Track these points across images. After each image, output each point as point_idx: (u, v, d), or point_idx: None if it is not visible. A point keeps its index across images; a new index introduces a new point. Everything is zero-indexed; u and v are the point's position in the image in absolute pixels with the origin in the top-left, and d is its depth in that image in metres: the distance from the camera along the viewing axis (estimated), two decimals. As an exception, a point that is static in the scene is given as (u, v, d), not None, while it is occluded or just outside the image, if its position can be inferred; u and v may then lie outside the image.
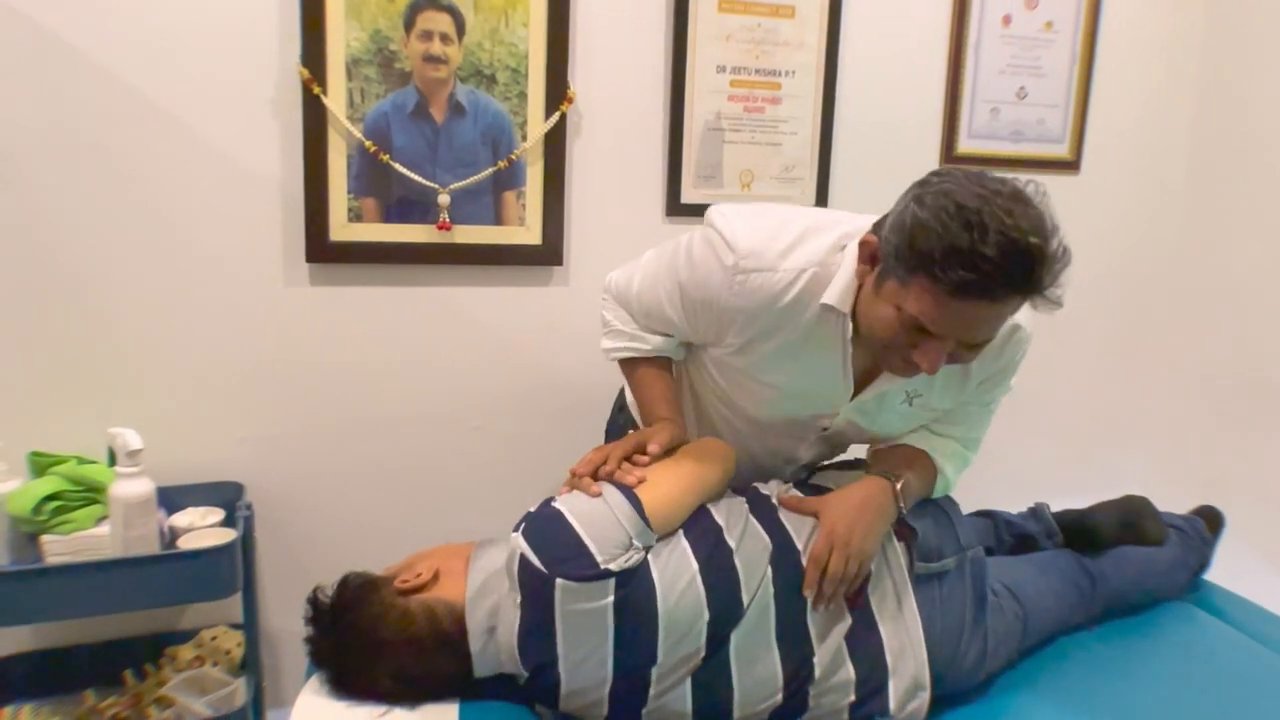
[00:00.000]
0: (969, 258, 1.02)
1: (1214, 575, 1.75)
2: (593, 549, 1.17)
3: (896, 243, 1.09)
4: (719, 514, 1.31)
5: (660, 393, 1.47)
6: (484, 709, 1.24)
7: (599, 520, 1.21)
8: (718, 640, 1.23)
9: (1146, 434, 2.54)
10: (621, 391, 1.71)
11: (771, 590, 1.27)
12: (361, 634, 1.22)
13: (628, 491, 1.24)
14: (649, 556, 1.22)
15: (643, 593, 1.19)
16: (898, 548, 1.35)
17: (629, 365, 1.52)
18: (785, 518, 1.35)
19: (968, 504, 1.50)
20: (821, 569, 1.26)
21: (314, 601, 1.26)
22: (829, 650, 1.28)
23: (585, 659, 1.19)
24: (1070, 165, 2.32)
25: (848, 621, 1.30)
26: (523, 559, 1.18)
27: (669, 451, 1.36)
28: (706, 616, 1.21)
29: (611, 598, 1.17)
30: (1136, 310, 2.47)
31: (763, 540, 1.30)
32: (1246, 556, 1.80)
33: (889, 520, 1.33)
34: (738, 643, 1.24)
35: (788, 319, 1.27)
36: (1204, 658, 1.54)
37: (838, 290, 1.22)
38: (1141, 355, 2.50)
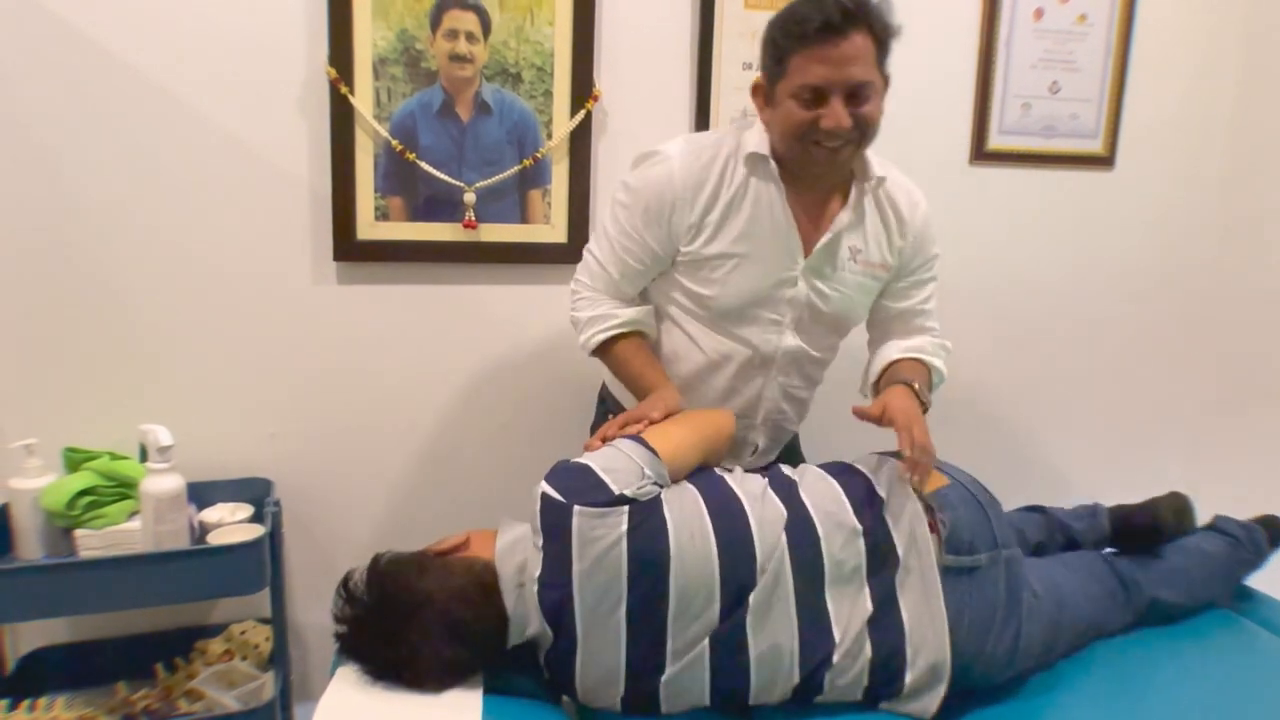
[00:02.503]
0: (808, 14, 1.33)
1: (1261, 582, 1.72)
2: (607, 479, 1.27)
3: (766, 56, 1.41)
4: (733, 480, 1.39)
5: (645, 360, 1.57)
6: (508, 703, 1.25)
7: (613, 457, 1.32)
8: (732, 600, 1.27)
9: (1185, 432, 2.50)
10: (601, 389, 1.78)
11: (789, 563, 1.30)
12: (405, 589, 1.25)
13: (637, 437, 1.36)
14: (662, 498, 1.29)
15: (655, 526, 1.26)
16: (929, 538, 1.34)
17: (608, 350, 1.58)
18: (805, 495, 1.37)
19: (1004, 498, 1.48)
20: (909, 443, 1.34)
21: (346, 582, 1.28)
22: (850, 636, 1.31)
23: (600, 601, 1.23)
24: (1104, 161, 2.28)
25: (869, 609, 1.32)
26: (544, 496, 1.26)
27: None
28: (717, 563, 1.26)
29: (625, 526, 1.23)
30: (1174, 307, 2.42)
31: (778, 508, 1.34)
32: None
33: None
34: (754, 615, 1.28)
35: (724, 180, 1.47)
36: (1240, 663, 1.52)
37: (754, 139, 1.46)
38: (1179, 353, 2.46)
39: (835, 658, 1.30)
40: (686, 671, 1.28)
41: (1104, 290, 2.37)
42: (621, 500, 1.25)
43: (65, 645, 1.81)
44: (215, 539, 1.66)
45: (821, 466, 1.48)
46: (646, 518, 1.26)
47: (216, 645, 1.82)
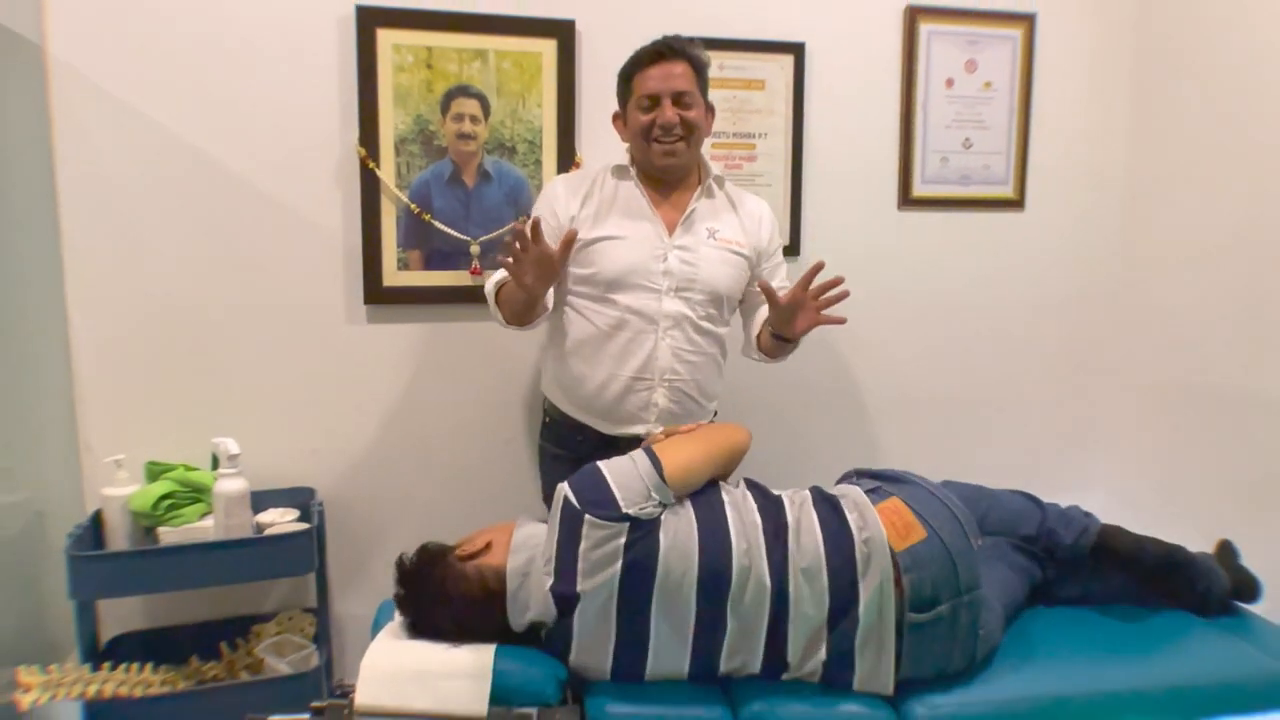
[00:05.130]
0: (645, 49, 1.87)
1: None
2: (619, 496, 1.52)
3: (619, 87, 1.92)
4: (731, 513, 1.61)
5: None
6: (516, 650, 1.57)
7: (626, 475, 1.56)
8: (710, 599, 1.52)
9: (1103, 439, 2.80)
10: (544, 413, 2.10)
11: (768, 584, 1.53)
12: (430, 590, 1.59)
13: (652, 455, 1.60)
14: (661, 520, 1.53)
15: (650, 546, 1.51)
16: (893, 596, 1.53)
17: (500, 297, 1.92)
18: (791, 544, 1.57)
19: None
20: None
21: (399, 564, 1.62)
22: (804, 668, 1.56)
23: (596, 596, 1.50)
24: (1015, 204, 2.65)
25: (823, 657, 1.55)
26: (565, 499, 1.54)
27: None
28: (696, 584, 1.52)
29: (624, 540, 1.50)
30: (1081, 326, 2.75)
31: (759, 544, 1.56)
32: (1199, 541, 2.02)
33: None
34: (731, 635, 1.53)
35: (596, 185, 1.94)
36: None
37: (617, 158, 1.97)
38: (1092, 368, 2.78)
39: (788, 674, 1.57)
40: (667, 652, 1.54)
41: (1020, 313, 2.71)
42: (626, 518, 1.51)
43: (143, 631, 2.13)
44: (271, 533, 2.00)
45: (818, 511, 1.63)
46: (644, 536, 1.51)
47: (269, 628, 2.15)
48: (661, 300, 1.88)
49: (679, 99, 1.84)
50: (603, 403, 1.91)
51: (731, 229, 1.97)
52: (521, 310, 1.88)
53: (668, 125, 1.84)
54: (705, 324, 1.92)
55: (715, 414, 2.05)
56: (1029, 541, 1.86)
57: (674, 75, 1.84)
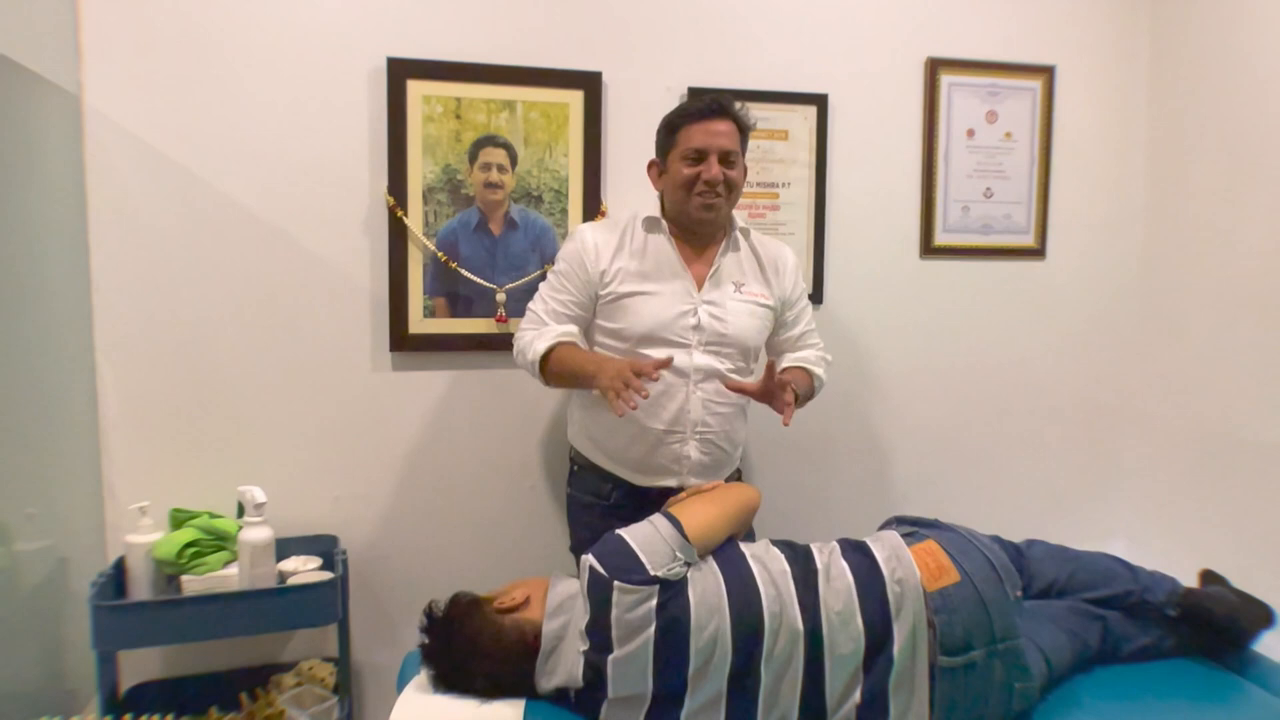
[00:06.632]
0: (693, 104, 1.91)
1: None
2: (645, 560, 1.53)
3: (661, 137, 1.93)
4: (755, 565, 1.61)
5: (583, 353, 1.88)
6: (546, 708, 1.56)
7: (649, 539, 1.56)
8: (744, 660, 1.51)
9: (1125, 487, 2.78)
10: (570, 461, 2.09)
11: (800, 627, 1.53)
12: (465, 643, 1.57)
13: (671, 518, 1.61)
14: (689, 578, 1.53)
15: (681, 605, 1.51)
16: (927, 638, 1.54)
17: (549, 363, 1.87)
18: (822, 591, 1.58)
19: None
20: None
21: (429, 613, 1.61)
22: (840, 713, 1.55)
23: (631, 664, 1.49)
24: (1036, 252, 2.66)
25: (858, 700, 1.54)
26: (591, 569, 1.53)
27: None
28: (730, 636, 1.51)
29: (655, 603, 1.50)
30: (1105, 376, 2.75)
31: (791, 596, 1.57)
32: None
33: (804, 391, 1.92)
34: (766, 673, 1.52)
35: (626, 237, 1.93)
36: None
37: (647, 209, 1.96)
38: (1113, 417, 2.77)
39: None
40: (704, 711, 1.52)
41: (1041, 361, 2.71)
42: (654, 580, 1.51)
43: (161, 680, 2.11)
44: (294, 582, 1.99)
45: (847, 559, 1.65)
46: (674, 596, 1.50)
47: (289, 679, 2.13)
48: (692, 355, 1.89)
49: (725, 157, 1.86)
50: (634, 455, 1.91)
51: (756, 280, 1.99)
52: (574, 385, 1.95)
53: (713, 181, 1.85)
54: (734, 376, 1.92)
55: (739, 467, 2.06)
56: (1107, 602, 1.87)
57: (721, 133, 1.86)
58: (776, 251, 2.05)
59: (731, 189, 1.89)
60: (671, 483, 1.89)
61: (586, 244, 1.93)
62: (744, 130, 1.91)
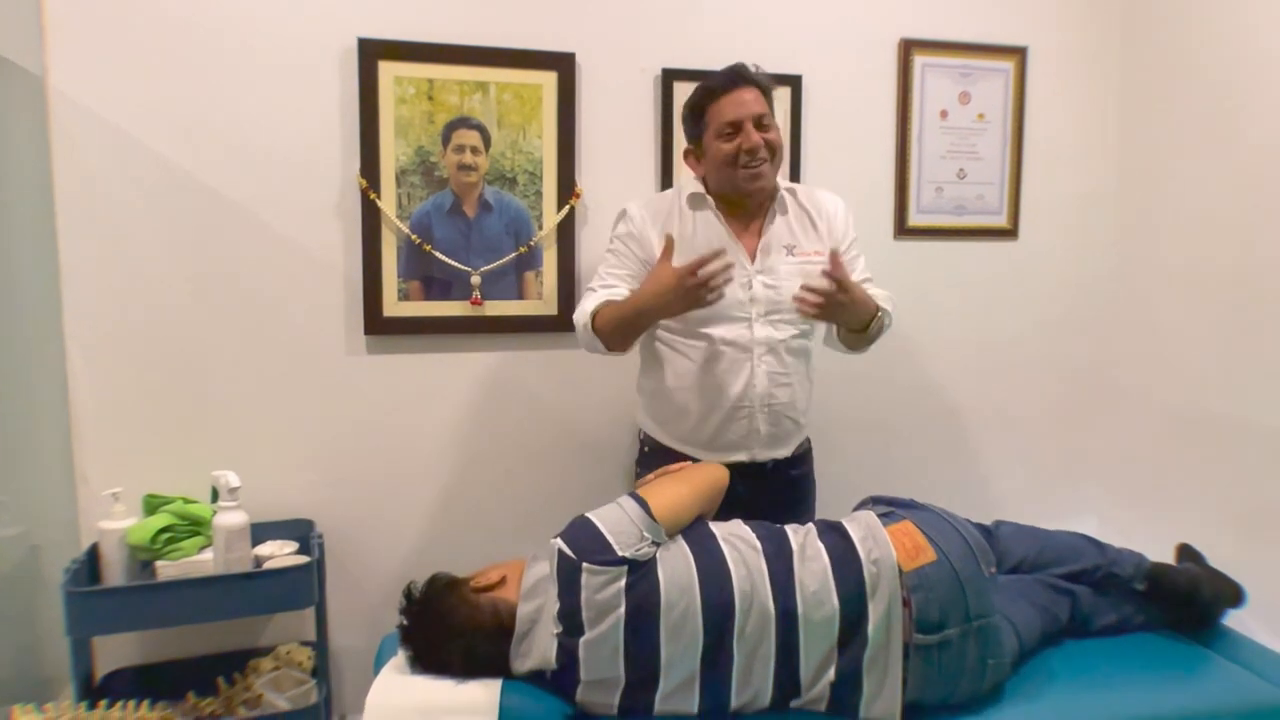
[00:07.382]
0: (711, 80, 1.89)
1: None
2: (613, 541, 1.53)
3: (688, 123, 1.93)
4: (726, 546, 1.62)
5: (628, 299, 1.87)
6: (523, 686, 1.56)
7: (617, 520, 1.57)
8: (715, 630, 1.52)
9: (1096, 465, 2.82)
10: (640, 444, 2.09)
11: (772, 606, 1.54)
12: (441, 622, 1.58)
13: (638, 498, 1.62)
14: (657, 557, 1.54)
15: (650, 584, 1.52)
16: (902, 617, 1.55)
17: (605, 318, 1.86)
18: (797, 570, 1.58)
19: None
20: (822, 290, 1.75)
21: (407, 594, 1.62)
22: (814, 690, 1.57)
23: (603, 644, 1.50)
24: (1009, 233, 2.68)
25: (832, 678, 1.56)
26: (560, 552, 1.54)
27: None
28: (700, 616, 1.52)
29: (624, 583, 1.51)
30: (1077, 355, 2.78)
31: (763, 575, 1.58)
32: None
33: (864, 316, 1.87)
34: (738, 668, 1.53)
35: (673, 214, 1.94)
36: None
37: (690, 185, 1.97)
38: (1085, 395, 2.80)
39: (797, 702, 1.57)
40: (678, 691, 1.54)
41: (1013, 341, 2.73)
42: (623, 561, 1.51)
43: (138, 666, 2.10)
44: (270, 566, 1.98)
45: (823, 539, 1.65)
46: (643, 576, 1.51)
47: (266, 663, 2.12)
48: (752, 328, 1.90)
49: (759, 122, 1.85)
50: (705, 434, 1.93)
51: (805, 236, 1.97)
52: (635, 333, 1.90)
53: (754, 149, 1.84)
54: (796, 343, 1.94)
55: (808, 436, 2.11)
56: (1076, 577, 1.89)
57: (749, 101, 1.85)
58: (824, 201, 2.03)
59: (774, 152, 1.88)
60: (742, 457, 1.91)
61: (636, 220, 1.94)
62: (767, 92, 1.90)
